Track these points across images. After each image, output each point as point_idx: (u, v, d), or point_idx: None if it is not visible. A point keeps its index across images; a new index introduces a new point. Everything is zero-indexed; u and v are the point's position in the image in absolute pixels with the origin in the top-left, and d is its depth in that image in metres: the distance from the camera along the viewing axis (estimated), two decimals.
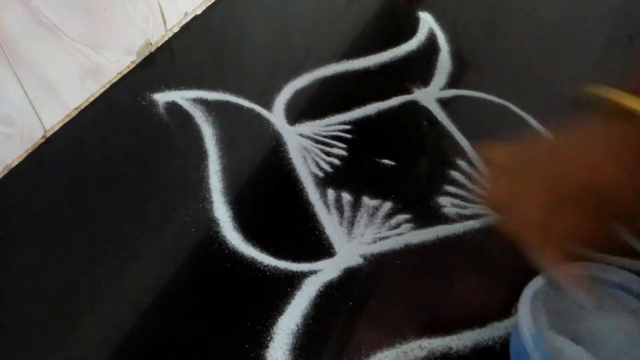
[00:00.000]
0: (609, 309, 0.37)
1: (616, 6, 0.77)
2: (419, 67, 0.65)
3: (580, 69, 0.66)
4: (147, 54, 0.63)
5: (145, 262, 0.45)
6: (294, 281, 0.44)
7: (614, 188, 0.32)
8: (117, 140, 0.55)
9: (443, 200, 0.51)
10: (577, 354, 0.34)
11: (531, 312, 0.37)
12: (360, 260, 0.46)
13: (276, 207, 0.50)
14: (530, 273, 0.46)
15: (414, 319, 0.43)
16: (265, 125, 0.57)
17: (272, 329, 0.41)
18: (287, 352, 0.40)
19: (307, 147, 0.55)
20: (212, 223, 0.48)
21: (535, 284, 0.38)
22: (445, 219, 0.49)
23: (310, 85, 0.62)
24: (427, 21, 0.71)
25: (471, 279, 0.46)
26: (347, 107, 0.59)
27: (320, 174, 0.52)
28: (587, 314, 0.37)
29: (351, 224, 0.48)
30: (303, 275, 0.45)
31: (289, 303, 0.43)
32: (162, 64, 0.63)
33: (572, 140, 0.35)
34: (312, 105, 0.59)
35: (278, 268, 0.45)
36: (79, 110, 0.57)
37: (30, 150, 0.53)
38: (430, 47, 0.68)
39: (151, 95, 0.59)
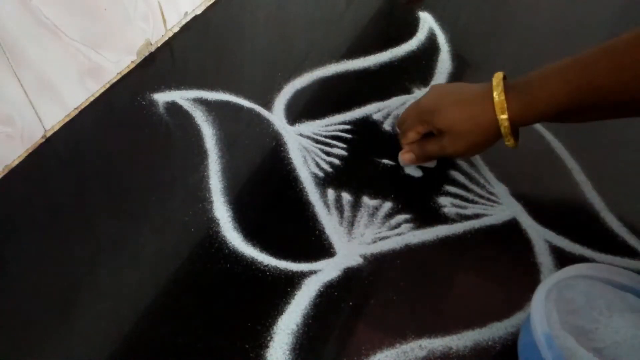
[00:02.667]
0: (620, 310, 0.37)
1: (616, 6, 0.77)
2: (419, 67, 0.65)
3: None
4: (147, 54, 0.63)
5: (146, 262, 0.45)
6: (294, 281, 0.44)
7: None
8: (117, 140, 0.55)
9: (443, 200, 0.51)
10: (587, 358, 0.34)
11: (544, 311, 0.36)
12: (360, 260, 0.46)
13: (276, 207, 0.50)
14: (530, 273, 0.46)
15: (414, 319, 0.43)
16: (265, 125, 0.57)
17: (272, 329, 0.41)
18: (287, 352, 0.40)
19: (307, 147, 0.55)
20: (212, 223, 0.48)
21: (548, 283, 0.38)
22: (445, 219, 0.49)
23: (310, 85, 0.62)
24: (427, 21, 0.71)
25: (471, 279, 0.46)
26: (347, 107, 0.59)
27: (320, 174, 0.52)
28: (599, 315, 0.37)
29: (351, 224, 0.48)
30: (303, 275, 0.45)
31: (289, 303, 0.43)
32: (162, 64, 0.63)
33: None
34: (312, 105, 0.59)
35: (278, 268, 0.45)
36: (79, 110, 0.57)
37: (30, 150, 0.53)
38: (430, 47, 0.68)
39: (151, 95, 0.59)
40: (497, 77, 0.46)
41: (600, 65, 0.40)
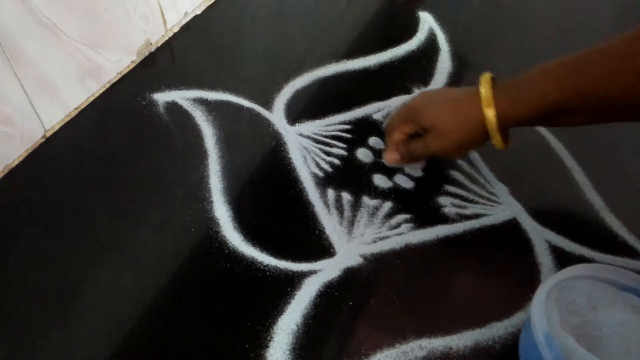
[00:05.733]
0: (622, 311, 0.37)
1: (616, 6, 0.77)
2: (419, 67, 0.65)
3: None
4: (147, 53, 0.63)
5: (146, 262, 0.45)
6: (294, 281, 0.44)
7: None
8: (117, 140, 0.55)
9: (443, 200, 0.51)
10: (587, 358, 0.34)
11: (544, 311, 0.36)
12: (360, 260, 0.46)
13: (276, 207, 0.50)
14: (530, 273, 0.46)
15: (414, 319, 0.43)
16: (265, 125, 0.57)
17: (272, 329, 0.41)
18: (287, 352, 0.40)
19: (307, 147, 0.55)
20: (212, 223, 0.48)
21: (549, 283, 0.38)
22: (445, 219, 0.49)
23: (310, 85, 0.62)
24: (427, 21, 0.71)
25: (471, 279, 0.46)
26: (347, 107, 0.59)
27: (320, 174, 0.52)
28: (600, 315, 0.37)
29: (351, 223, 0.48)
30: (303, 275, 0.45)
31: (289, 303, 0.43)
32: (162, 64, 0.63)
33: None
34: (312, 105, 0.59)
35: (278, 268, 0.45)
36: (79, 110, 0.57)
37: (30, 150, 0.53)
38: (430, 47, 0.68)
39: (151, 95, 0.59)
40: (485, 76, 0.45)
41: (592, 69, 0.40)
